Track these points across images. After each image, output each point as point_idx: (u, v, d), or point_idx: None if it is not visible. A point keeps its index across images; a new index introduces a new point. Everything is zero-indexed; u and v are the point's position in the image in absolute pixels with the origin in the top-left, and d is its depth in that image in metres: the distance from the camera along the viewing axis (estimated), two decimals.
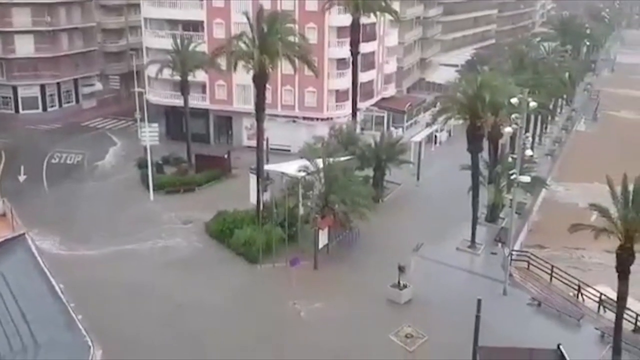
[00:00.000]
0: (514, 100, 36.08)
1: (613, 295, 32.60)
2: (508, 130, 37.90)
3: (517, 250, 41.97)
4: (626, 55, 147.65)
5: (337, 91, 62.55)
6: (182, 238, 43.22)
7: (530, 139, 60.81)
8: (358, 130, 58.78)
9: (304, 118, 62.18)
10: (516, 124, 36.10)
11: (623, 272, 29.72)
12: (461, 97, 41.73)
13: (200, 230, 44.03)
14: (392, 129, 66.74)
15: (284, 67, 47.21)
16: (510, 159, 40.61)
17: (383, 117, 69.68)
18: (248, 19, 42.98)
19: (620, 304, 30.34)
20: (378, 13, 58.44)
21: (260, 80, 42.42)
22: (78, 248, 41.19)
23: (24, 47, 73.15)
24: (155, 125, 51.69)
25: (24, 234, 23.03)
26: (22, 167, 54.34)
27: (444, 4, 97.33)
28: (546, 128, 74.75)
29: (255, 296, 36.37)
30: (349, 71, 60.41)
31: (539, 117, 66.34)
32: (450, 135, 68.91)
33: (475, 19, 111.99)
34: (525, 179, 37.95)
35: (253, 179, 45.66)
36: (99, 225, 44.68)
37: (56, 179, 54.04)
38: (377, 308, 34.75)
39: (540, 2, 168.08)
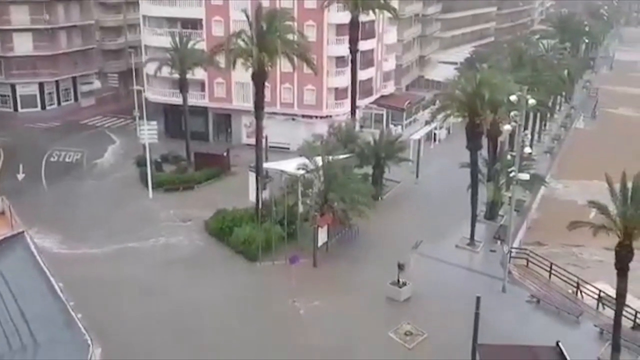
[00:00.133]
0: (513, 98, 36.07)
1: (612, 292, 32.64)
2: (507, 127, 37.90)
3: (516, 248, 42.03)
4: (625, 53, 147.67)
5: (336, 89, 62.51)
6: (182, 236, 43.21)
7: (529, 136, 60.66)
8: (357, 128, 58.81)
9: (303, 116, 62.14)
10: (515, 121, 36.09)
11: (622, 269, 29.75)
12: (460, 95, 41.71)
13: (199, 228, 44.03)
14: (391, 126, 66.71)
15: (283, 64, 47.11)
16: (509, 157, 40.69)
17: (382, 114, 69.64)
18: (247, 16, 42.93)
19: (619, 301, 30.36)
20: (377, 10, 58.33)
21: (259, 78, 42.41)
22: (77, 246, 41.15)
23: (23, 45, 73.00)
24: (154, 123, 51.63)
25: (23, 232, 23.05)
26: (20, 166, 54.29)
27: (443, 2, 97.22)
28: (545, 125, 74.75)
29: (255, 294, 36.38)
30: (348, 69, 60.34)
31: (538, 115, 66.29)
32: (449, 132, 68.85)
33: (474, 17, 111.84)
34: (524, 176, 37.98)
35: (252, 177, 45.68)
36: (98, 223, 44.66)
37: (55, 178, 54.02)
38: (377, 305, 34.79)
39: (539, 0, 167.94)
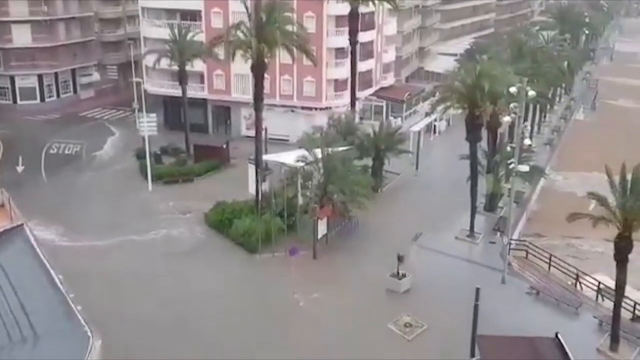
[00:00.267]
0: (512, 90, 36.01)
1: (611, 283, 32.68)
2: (507, 119, 37.86)
3: (515, 239, 42.06)
4: (625, 44, 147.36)
5: (335, 80, 62.39)
6: (182, 228, 43.23)
7: (528, 128, 60.60)
8: (357, 119, 58.74)
9: (303, 108, 62.05)
10: (515, 113, 36.04)
11: (621, 260, 29.79)
12: (460, 87, 41.64)
13: (199, 220, 44.04)
14: (391, 118, 66.61)
15: (283, 56, 47.02)
16: (508, 148, 40.68)
17: (382, 106, 69.52)
18: (246, 7, 42.76)
19: (619, 292, 30.42)
20: (377, 2, 58.18)
21: (259, 70, 42.31)
22: (77, 238, 41.16)
23: (21, 37, 72.77)
24: (154, 115, 51.54)
25: (22, 224, 23.06)
26: (20, 158, 54.23)
27: None
28: (545, 117, 74.68)
29: (255, 286, 36.42)
30: (348, 60, 60.21)
31: (538, 106, 66.22)
32: (449, 124, 68.77)
33: (474, 8, 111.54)
34: (524, 168, 37.96)
35: (252, 169, 45.67)
36: (98, 215, 44.70)
37: (55, 170, 54.00)
38: (376, 297, 34.84)
39: None
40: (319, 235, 39.68)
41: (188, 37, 55.99)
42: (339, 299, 34.45)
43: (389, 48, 73.21)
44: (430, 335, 31.40)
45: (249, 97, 49.07)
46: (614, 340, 30.72)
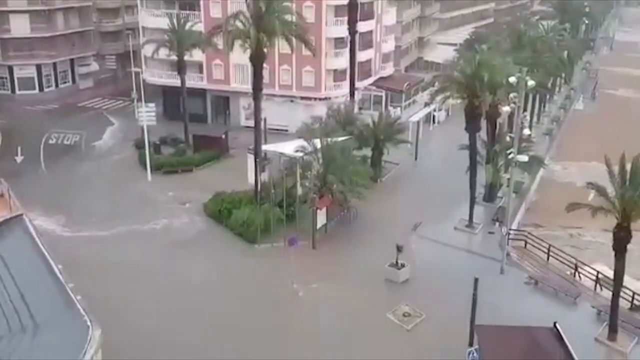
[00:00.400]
0: (512, 79, 35.95)
1: (610, 273, 32.74)
2: (506, 109, 37.80)
3: (514, 230, 42.09)
4: (625, 34, 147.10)
5: (334, 71, 62.25)
6: (181, 219, 43.26)
7: (528, 118, 60.87)
8: (356, 109, 58.69)
9: (302, 98, 61.95)
10: (514, 103, 35.99)
11: (620, 250, 29.83)
12: (459, 77, 41.54)
13: (198, 210, 44.06)
14: (390, 108, 66.55)
15: (282, 46, 46.89)
16: (508, 138, 40.57)
17: (381, 96, 69.42)
18: None
19: (617, 282, 30.48)
20: None
21: (258, 60, 42.19)
22: (77, 229, 41.18)
23: (20, 27, 72.58)
24: (153, 105, 51.45)
25: (21, 214, 23.08)
26: (19, 148, 54.19)
27: None
28: (544, 107, 74.59)
29: (254, 276, 36.48)
30: (347, 50, 60.14)
31: (537, 96, 66.17)
32: (448, 114, 68.71)
33: None
34: (523, 158, 37.92)
35: (251, 159, 45.64)
36: (98, 206, 44.71)
37: (54, 160, 53.97)
38: (375, 287, 34.90)
39: None
40: (318, 226, 39.71)
41: (187, 27, 55.80)
42: (338, 289, 34.52)
43: (388, 38, 73.03)
44: (428, 325, 31.49)
45: (248, 87, 48.96)
46: (612, 329, 30.82)
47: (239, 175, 47.57)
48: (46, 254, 20.52)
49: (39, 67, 74.33)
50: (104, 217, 42.61)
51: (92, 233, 40.65)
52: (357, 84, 63.29)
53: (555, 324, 26.83)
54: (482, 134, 45.10)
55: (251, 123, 47.06)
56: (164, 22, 57.60)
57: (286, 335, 30.72)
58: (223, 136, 55.87)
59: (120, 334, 26.80)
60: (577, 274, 37.62)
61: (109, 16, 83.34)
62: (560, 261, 38.56)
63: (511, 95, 36.14)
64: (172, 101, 63.36)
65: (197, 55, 58.08)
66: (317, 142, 41.23)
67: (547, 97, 74.94)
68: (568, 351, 25.14)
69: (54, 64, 75.60)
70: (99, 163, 54.20)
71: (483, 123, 43.70)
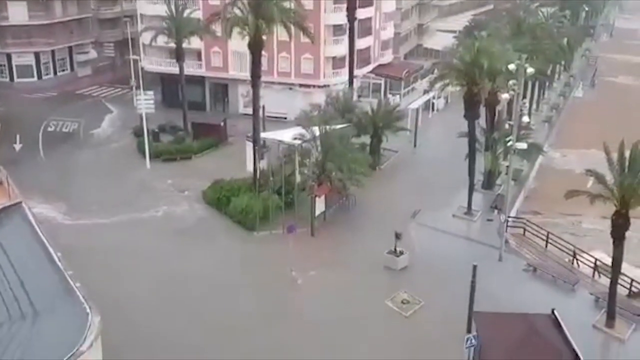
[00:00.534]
0: (511, 67, 35.86)
1: (608, 261, 32.84)
2: (505, 96, 37.73)
3: (513, 217, 42.15)
4: (625, 21, 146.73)
5: (333, 58, 62.12)
6: (180, 206, 43.29)
7: (527, 105, 60.68)
8: (355, 97, 58.56)
9: (301, 85, 61.85)
10: (513, 90, 35.93)
11: (618, 238, 29.86)
12: (458, 64, 41.41)
13: (197, 198, 44.09)
14: (389, 96, 66.45)
15: (280, 33, 46.76)
16: (507, 126, 40.52)
17: (380, 84, 69.31)
18: None
19: (615, 269, 30.55)
20: None
21: (256, 47, 42.05)
22: (74, 216, 41.22)
23: (18, 15, 72.27)
24: (151, 92, 51.41)
25: (20, 202, 23.09)
26: (18, 136, 54.10)
27: None
28: (544, 94, 74.50)
29: (253, 263, 36.59)
30: (346, 37, 59.91)
31: (537, 84, 66.05)
32: (447, 102, 68.66)
33: None
34: (522, 145, 37.90)
35: (249, 146, 45.60)
36: (97, 193, 44.69)
37: (52, 147, 53.91)
38: (374, 274, 34.97)
39: None
40: (317, 213, 39.73)
41: (185, 14, 55.56)
42: (337, 276, 34.59)
43: (388, 25, 72.81)
44: (427, 312, 31.60)
45: (246, 74, 48.91)
46: (610, 316, 30.93)
47: (237, 162, 47.56)
48: (45, 241, 20.54)
49: (37, 55, 74.11)
50: (103, 205, 42.60)
51: (92, 221, 40.67)
52: (356, 72, 63.12)
53: (553, 310, 26.92)
54: (481, 122, 45.05)
55: (250, 111, 46.98)
56: (162, 9, 57.34)
57: (285, 322, 30.80)
58: (222, 124, 55.80)
59: (120, 321, 26.90)
60: (575, 261, 37.73)
61: (107, 3, 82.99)
62: (559, 248, 38.65)
63: (510, 82, 36.05)
64: (170, 89, 63.23)
65: (195, 42, 57.93)
66: (316, 130, 41.17)
67: (547, 84, 74.82)
68: (566, 338, 25.24)
69: (52, 51, 75.38)
70: (97, 151, 54.16)
71: (482, 110, 43.66)
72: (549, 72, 69.23)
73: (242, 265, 36.47)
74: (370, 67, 68.69)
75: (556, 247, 38.80)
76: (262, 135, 45.73)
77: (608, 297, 31.02)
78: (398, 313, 31.65)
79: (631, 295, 34.56)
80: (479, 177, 45.38)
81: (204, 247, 37.72)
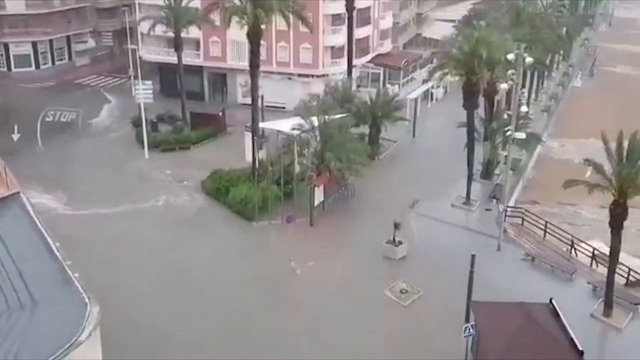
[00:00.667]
0: (510, 56, 35.80)
1: (606, 250, 32.89)
2: (504, 86, 37.69)
3: (511, 207, 42.21)
4: (624, 10, 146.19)
5: (332, 47, 61.94)
6: (179, 196, 43.30)
7: (526, 95, 60.73)
8: (354, 87, 58.47)
9: (299, 75, 61.71)
10: (512, 80, 35.89)
11: (616, 227, 29.93)
12: (457, 54, 41.35)
13: (196, 188, 44.09)
14: (388, 85, 66.31)
15: (279, 23, 46.61)
16: (505, 116, 40.52)
17: (379, 73, 69.12)
18: None
19: (613, 258, 30.62)
20: None
21: (255, 37, 41.94)
22: (75, 207, 41.19)
23: (15, 4, 71.93)
24: (149, 82, 51.25)
25: (18, 192, 23.06)
26: (15, 126, 53.94)
27: None
28: (542, 84, 74.42)
29: (252, 253, 36.65)
30: (345, 27, 59.75)
31: (536, 73, 65.95)
32: (446, 92, 68.59)
33: None
34: (521, 135, 37.96)
35: (248, 136, 45.56)
36: (96, 184, 44.63)
37: (51, 137, 53.79)
38: (373, 264, 35.04)
39: None
40: (316, 203, 39.76)
41: (183, 3, 55.32)
42: (336, 266, 34.67)
43: (386, 14, 72.52)
44: (425, 302, 31.68)
45: (245, 64, 48.76)
46: (608, 305, 31.04)
47: (236, 152, 47.53)
48: (44, 231, 20.54)
49: (34, 45, 73.83)
50: (103, 196, 42.53)
51: (93, 211, 40.60)
52: (355, 61, 62.99)
53: (551, 300, 27.02)
54: (480, 111, 45.03)
55: (248, 100, 46.90)
56: None
57: (283, 312, 30.87)
58: (220, 114, 55.71)
59: (119, 311, 26.95)
60: (573, 250, 37.81)
61: None
62: (557, 238, 38.73)
63: (509, 72, 36.00)
64: (169, 78, 63.04)
65: (193, 32, 57.68)
66: (315, 120, 41.14)
67: (545, 74, 74.69)
68: (564, 327, 25.35)
69: (50, 41, 75.09)
70: (96, 141, 54.06)
71: (481, 100, 43.61)
72: (547, 61, 69.07)
73: (241, 255, 36.52)
74: (369, 57, 68.49)
75: (554, 236, 38.88)
76: (261, 125, 45.68)
77: (606, 286, 31.10)
78: (397, 303, 31.74)
79: (629, 284, 34.71)
80: (477, 167, 45.41)
81: (203, 237, 37.76)
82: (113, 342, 20.46)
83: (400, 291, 32.53)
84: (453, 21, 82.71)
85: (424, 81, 62.53)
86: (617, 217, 29.73)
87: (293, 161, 41.44)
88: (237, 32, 44.60)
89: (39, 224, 21.11)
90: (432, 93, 66.08)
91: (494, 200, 42.47)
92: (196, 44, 63.33)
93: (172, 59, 57.60)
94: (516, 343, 24.22)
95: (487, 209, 42.21)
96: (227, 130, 55.08)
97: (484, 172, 46.74)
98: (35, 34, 73.51)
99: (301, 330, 29.40)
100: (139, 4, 65.92)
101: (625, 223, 30.02)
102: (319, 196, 40.24)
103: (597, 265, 36.21)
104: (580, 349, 24.06)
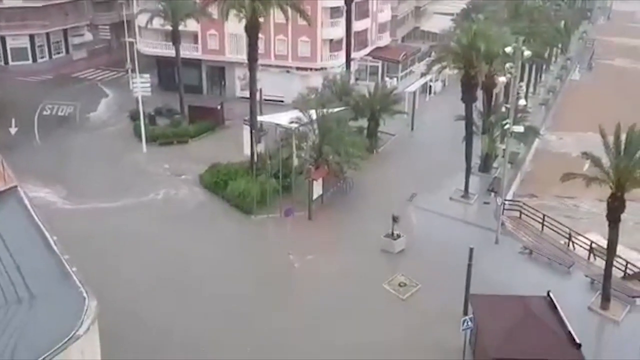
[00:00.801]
0: (508, 50, 35.77)
1: (603, 243, 32.97)
2: (502, 79, 37.71)
3: (509, 200, 42.25)
4: (622, 3, 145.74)
5: (330, 41, 61.79)
6: (177, 190, 43.25)
7: (524, 88, 60.53)
8: (352, 80, 58.36)
9: (298, 68, 61.57)
10: (510, 73, 35.87)
11: (614, 220, 29.99)
12: (456, 47, 41.31)
13: (194, 182, 44.04)
14: (386, 79, 66.27)
15: (277, 16, 46.47)
16: (504, 109, 40.50)
17: (377, 67, 69.06)
18: None
19: (610, 251, 30.70)
20: None
21: (253, 30, 41.82)
22: (75, 202, 41.13)
23: None
24: (147, 76, 51.13)
25: (16, 186, 23.01)
26: (13, 119, 53.82)
27: None
28: (540, 77, 74.36)
29: (250, 247, 36.66)
30: (343, 20, 59.61)
31: (534, 67, 65.90)
32: (444, 85, 68.55)
33: None
34: (519, 128, 37.97)
35: (246, 130, 45.50)
36: (94, 178, 44.53)
37: (48, 131, 53.64)
38: (371, 258, 35.07)
39: None
40: (314, 196, 39.76)
41: None
42: (334, 260, 34.70)
43: (385, 7, 72.38)
44: (424, 295, 31.73)
45: (243, 57, 48.62)
46: (605, 298, 31.11)
47: (234, 146, 47.46)
48: (41, 225, 20.51)
49: (32, 38, 73.50)
50: (101, 190, 42.38)
51: (92, 205, 40.45)
52: (353, 55, 62.88)
53: (548, 293, 27.08)
54: (479, 105, 45.02)
55: (247, 94, 46.83)
56: None
57: (282, 306, 30.88)
58: (218, 107, 55.59)
59: (117, 305, 26.96)
60: (571, 243, 37.87)
61: None
62: (555, 231, 38.78)
63: (507, 65, 35.98)
64: (167, 72, 62.84)
65: (191, 25, 57.50)
66: (313, 113, 41.09)
67: (544, 67, 74.65)
68: (561, 320, 25.43)
69: (47, 34, 74.74)
70: (93, 135, 53.92)
71: (479, 93, 43.59)
72: (546, 55, 69.06)
73: (239, 248, 36.52)
74: (367, 50, 68.38)
75: (552, 229, 38.93)
76: (259, 118, 45.59)
77: (603, 279, 31.17)
78: (395, 296, 31.79)
79: (626, 277, 34.77)
80: (476, 160, 45.41)
81: (201, 231, 37.74)
82: (111, 335, 20.49)
83: (399, 284, 32.58)
84: (451, 14, 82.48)
85: (423, 74, 62.41)
86: (614, 210, 29.79)
87: (291, 154, 41.45)
88: (235, 25, 44.47)
89: (36, 218, 21.07)
90: (430, 86, 66.00)
91: (492, 194, 42.51)
92: (194, 37, 63.13)
93: (170, 52, 57.43)
94: (514, 336, 24.29)
95: (485, 202, 42.24)
96: (226, 124, 54.96)
97: (482, 166, 46.75)
98: (32, 27, 73.17)
99: (300, 323, 29.41)
100: None
101: (623, 216, 30.08)
102: (317, 190, 40.22)
103: (594, 258, 36.27)
104: (578, 341, 24.15)
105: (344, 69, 58.82)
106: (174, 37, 54.73)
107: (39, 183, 41.37)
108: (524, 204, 41.70)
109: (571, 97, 74.07)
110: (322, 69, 60.25)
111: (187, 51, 61.11)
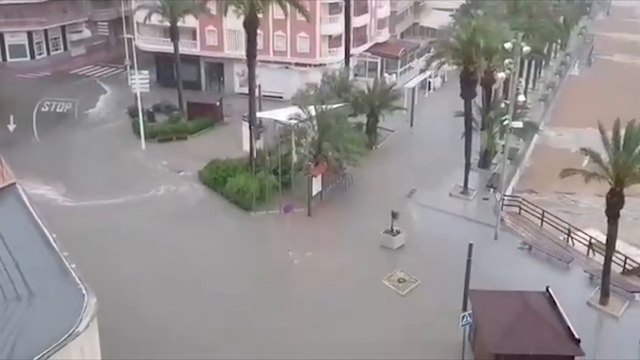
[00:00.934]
0: (507, 45, 35.73)
1: (602, 238, 33.00)
2: (501, 75, 37.68)
3: (508, 196, 42.27)
4: None
5: (329, 36, 61.69)
6: (176, 187, 43.22)
7: (523, 84, 60.58)
8: (351, 76, 58.33)
9: (297, 64, 61.47)
10: (509, 69, 35.84)
11: (613, 216, 30.01)
12: (455, 43, 41.28)
13: (193, 178, 44.02)
14: (385, 75, 66.18)
15: (276, 11, 46.37)
16: (503, 105, 40.53)
17: (376, 63, 68.97)
18: None
19: (609, 247, 30.71)
20: None
21: (251, 26, 41.77)
22: (75, 199, 41.08)
23: None
24: (146, 72, 51.01)
25: (14, 183, 22.96)
26: (11, 116, 53.73)
27: None
28: (540, 73, 74.31)
29: (249, 243, 36.62)
30: (342, 16, 59.51)
31: (533, 62, 65.84)
32: (444, 81, 68.49)
33: None
34: (518, 124, 37.96)
35: (246, 126, 45.47)
36: (93, 175, 44.48)
37: (47, 128, 53.58)
38: (370, 254, 35.08)
39: None
40: (314, 193, 39.73)
41: None
42: (334, 256, 34.70)
43: (384, 3, 72.26)
44: (423, 290, 31.74)
45: (242, 53, 48.50)
46: (604, 293, 31.14)
47: (233, 142, 47.44)
48: (40, 222, 20.46)
49: (30, 34, 73.34)
50: (100, 187, 42.35)
51: (91, 202, 40.42)
52: (352, 50, 62.82)
53: (547, 288, 27.10)
54: (478, 101, 45.01)
55: (245, 90, 46.79)
56: None
57: (282, 302, 30.89)
58: (217, 103, 55.52)
59: (117, 302, 26.96)
60: (570, 239, 37.91)
61: None
62: (554, 227, 38.82)
63: (506, 61, 35.96)
64: (165, 68, 62.80)
65: (190, 21, 57.36)
66: (312, 109, 41.06)
67: (543, 63, 74.61)
68: (560, 315, 25.45)
69: (45, 30, 74.61)
70: (92, 131, 53.84)
71: (479, 89, 43.55)
72: (545, 50, 69.05)
73: (238, 245, 36.49)
74: (366, 46, 68.28)
75: (551, 225, 38.97)
76: (258, 114, 45.54)
77: (602, 274, 31.19)
78: (394, 292, 31.80)
79: (625, 272, 34.84)
80: (475, 156, 45.42)
81: (201, 228, 37.71)
82: (111, 332, 20.48)
83: (398, 280, 32.59)
84: (450, 10, 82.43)
85: (422, 70, 62.46)
86: (613, 206, 29.81)
87: (290, 151, 41.43)
88: (234, 21, 44.47)
89: (35, 215, 21.02)
90: (429, 82, 65.96)
91: (492, 190, 42.52)
92: (193, 33, 63.03)
93: (169, 48, 57.31)
94: (513, 331, 24.31)
95: (484, 198, 42.26)
96: (224, 120, 54.91)
97: (481, 162, 46.75)
98: (30, 24, 73.03)
99: (300, 320, 29.42)
100: None
101: (622, 211, 30.09)
102: (316, 186, 40.20)
103: (593, 253, 36.31)
104: (577, 337, 24.17)
105: (343, 65, 58.75)
106: (173, 34, 54.63)
107: (38, 180, 41.32)
108: (523, 199, 41.72)
109: (570, 93, 74.03)
110: (321, 65, 60.20)
111: (186, 47, 61.02)
